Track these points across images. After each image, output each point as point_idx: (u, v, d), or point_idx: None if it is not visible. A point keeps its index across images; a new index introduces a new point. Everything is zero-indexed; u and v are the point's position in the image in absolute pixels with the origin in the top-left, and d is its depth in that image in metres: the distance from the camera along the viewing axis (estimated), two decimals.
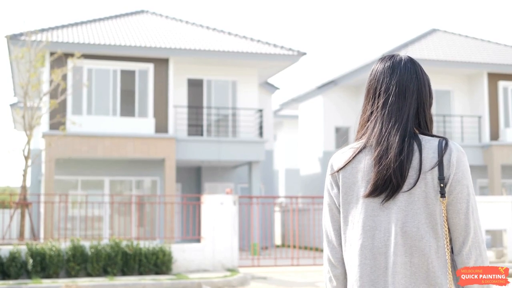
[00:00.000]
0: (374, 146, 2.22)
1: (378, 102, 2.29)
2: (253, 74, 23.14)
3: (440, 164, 2.15)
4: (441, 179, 2.13)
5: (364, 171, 2.22)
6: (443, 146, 2.17)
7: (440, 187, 2.14)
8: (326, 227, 2.35)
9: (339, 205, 2.29)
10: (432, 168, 2.15)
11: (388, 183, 2.16)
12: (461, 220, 2.15)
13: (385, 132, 2.22)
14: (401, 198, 2.16)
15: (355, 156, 2.25)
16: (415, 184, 2.15)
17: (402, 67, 2.30)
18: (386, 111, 2.25)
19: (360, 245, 2.20)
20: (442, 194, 2.13)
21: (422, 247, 2.13)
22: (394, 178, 2.15)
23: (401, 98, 2.26)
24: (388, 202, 2.18)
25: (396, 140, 2.18)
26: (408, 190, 2.15)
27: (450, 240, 2.18)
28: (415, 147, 2.18)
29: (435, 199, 2.14)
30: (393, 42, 26.39)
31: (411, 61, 2.33)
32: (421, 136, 2.23)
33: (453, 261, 2.17)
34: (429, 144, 2.19)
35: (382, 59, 2.37)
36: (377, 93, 2.30)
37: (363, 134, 2.30)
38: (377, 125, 2.25)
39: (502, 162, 23.06)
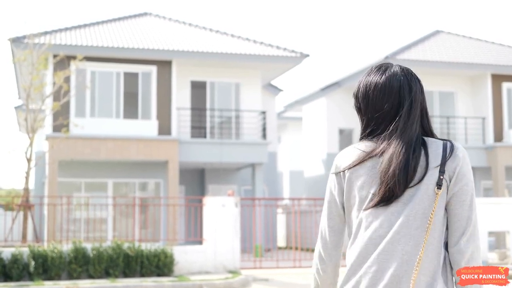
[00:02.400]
0: (380, 157, 2.27)
1: (382, 116, 2.32)
2: (256, 76, 23.14)
3: (445, 158, 2.24)
4: (442, 171, 2.22)
5: (369, 176, 2.27)
6: (448, 144, 2.28)
7: (439, 179, 2.22)
8: (322, 224, 2.43)
9: (341, 204, 2.36)
10: (438, 164, 2.24)
11: (391, 195, 2.23)
12: (464, 211, 2.23)
13: (392, 146, 2.27)
14: (406, 193, 2.24)
15: (363, 160, 2.29)
16: (420, 181, 2.23)
17: (403, 81, 2.34)
18: (394, 125, 2.30)
19: (367, 238, 2.25)
20: (439, 186, 2.21)
21: (417, 236, 2.20)
22: (398, 190, 2.22)
23: (408, 113, 2.30)
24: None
25: (402, 152, 2.24)
26: (413, 186, 2.24)
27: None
28: (421, 151, 2.27)
29: (433, 192, 2.22)
30: (397, 43, 26.33)
31: (407, 72, 2.37)
32: (426, 139, 2.31)
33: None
34: (435, 144, 2.29)
35: (378, 73, 2.37)
36: (381, 106, 2.32)
37: (368, 139, 2.34)
38: (385, 138, 2.29)
39: (506, 163, 22.97)
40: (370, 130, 2.35)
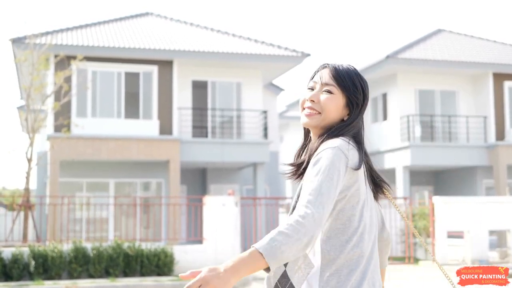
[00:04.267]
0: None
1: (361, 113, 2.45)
2: (257, 76, 23.12)
3: None
4: None
5: (364, 175, 2.33)
6: None
7: None
8: (331, 199, 2.19)
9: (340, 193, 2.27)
10: None
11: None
12: None
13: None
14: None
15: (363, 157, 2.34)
16: None
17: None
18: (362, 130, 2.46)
19: (373, 236, 2.34)
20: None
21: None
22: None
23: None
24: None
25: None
26: None
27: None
28: None
29: None
30: (398, 42, 26.32)
31: None
32: None
33: None
34: None
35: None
36: (363, 104, 2.45)
37: (354, 136, 2.36)
38: (361, 139, 2.42)
39: (508, 162, 22.90)
40: (349, 129, 2.36)
